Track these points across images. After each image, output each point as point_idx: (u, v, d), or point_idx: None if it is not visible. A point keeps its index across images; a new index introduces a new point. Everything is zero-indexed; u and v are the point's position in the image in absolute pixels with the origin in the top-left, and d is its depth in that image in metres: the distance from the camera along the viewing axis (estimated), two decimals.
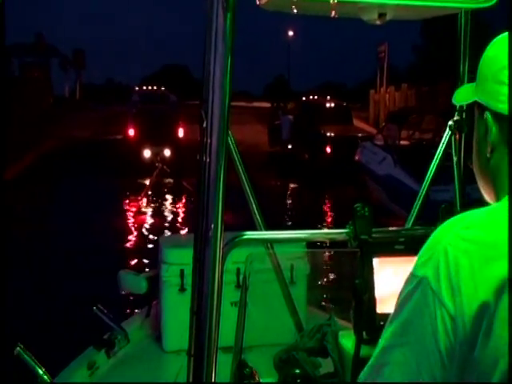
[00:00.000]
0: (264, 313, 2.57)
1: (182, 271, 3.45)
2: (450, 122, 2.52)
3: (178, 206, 15.55)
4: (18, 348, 2.38)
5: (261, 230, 2.58)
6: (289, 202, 16.86)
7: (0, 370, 5.23)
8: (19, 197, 14.93)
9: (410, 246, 2.04)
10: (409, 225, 2.58)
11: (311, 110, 23.25)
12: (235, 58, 1.67)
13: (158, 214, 14.53)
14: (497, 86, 1.31)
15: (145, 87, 26.27)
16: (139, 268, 9.08)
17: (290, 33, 66.45)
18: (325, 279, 5.18)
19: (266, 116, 28.29)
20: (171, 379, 3.03)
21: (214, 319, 1.66)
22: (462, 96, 1.49)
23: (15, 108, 23.00)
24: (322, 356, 2.18)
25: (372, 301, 2.03)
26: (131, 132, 20.63)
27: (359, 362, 1.96)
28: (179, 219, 14.24)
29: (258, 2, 1.89)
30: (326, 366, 2.17)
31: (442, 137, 2.58)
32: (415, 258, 1.26)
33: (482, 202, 1.35)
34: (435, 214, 2.26)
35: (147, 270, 3.83)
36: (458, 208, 2.49)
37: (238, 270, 3.28)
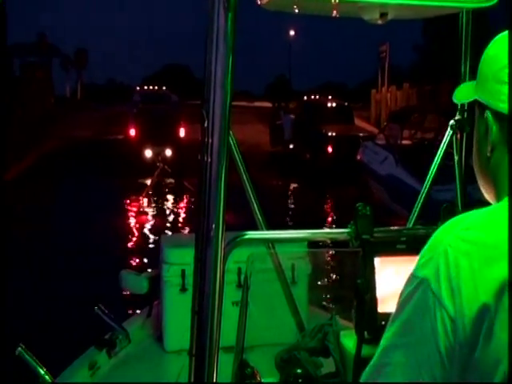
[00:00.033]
0: (265, 312, 2.56)
1: (183, 271, 3.45)
2: (452, 122, 2.52)
3: (179, 205, 15.54)
4: (20, 348, 2.38)
5: (262, 229, 2.58)
6: (290, 201, 16.84)
7: (0, 370, 5.25)
8: (20, 197, 14.94)
9: (411, 246, 2.04)
10: (410, 224, 2.58)
11: (313, 110, 23.23)
12: (236, 58, 1.67)
13: (159, 213, 14.53)
14: (497, 85, 1.30)
15: (146, 87, 26.28)
16: (140, 268, 9.09)
17: (291, 32, 66.45)
18: (326, 279, 5.18)
19: (268, 116, 28.27)
20: (172, 379, 3.03)
21: (216, 319, 1.66)
22: (463, 94, 1.49)
23: (17, 108, 23.03)
24: (324, 356, 2.18)
25: (373, 300, 2.03)
26: (132, 132, 20.64)
27: (361, 361, 1.96)
28: (180, 219, 14.24)
29: (259, 2, 1.89)
30: (328, 365, 2.17)
31: (443, 136, 2.58)
32: (417, 258, 1.26)
33: (483, 202, 1.35)
34: (437, 213, 2.26)
35: (149, 270, 3.82)
36: (460, 208, 2.49)
37: (240, 269, 3.28)
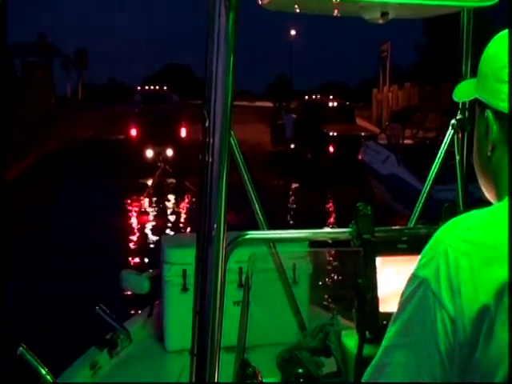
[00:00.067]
0: (266, 312, 2.56)
1: (184, 271, 3.45)
2: (453, 121, 2.51)
3: (180, 206, 15.54)
4: (21, 348, 2.38)
5: (263, 229, 2.58)
6: (291, 201, 16.84)
7: (1, 370, 5.25)
8: (21, 197, 14.94)
9: (412, 245, 2.04)
10: (411, 224, 2.58)
11: (314, 110, 23.22)
12: (237, 58, 1.67)
13: (160, 213, 14.53)
14: (498, 84, 1.30)
15: (147, 87, 26.28)
16: (141, 268, 9.09)
17: (292, 32, 66.44)
18: (327, 279, 5.18)
19: (269, 115, 28.26)
20: (174, 379, 3.03)
21: (217, 319, 1.66)
22: (463, 92, 1.48)
23: (17, 108, 23.03)
24: (325, 355, 2.18)
25: (375, 300, 2.03)
26: (133, 132, 20.63)
27: (362, 361, 1.96)
28: (181, 219, 14.24)
29: (260, 2, 1.89)
30: (329, 365, 2.17)
31: (445, 136, 2.58)
32: (418, 258, 1.26)
33: (484, 201, 1.34)
34: (438, 213, 2.26)
35: (150, 270, 3.82)
36: (461, 207, 2.49)
37: (241, 269, 3.28)
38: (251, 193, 2.57)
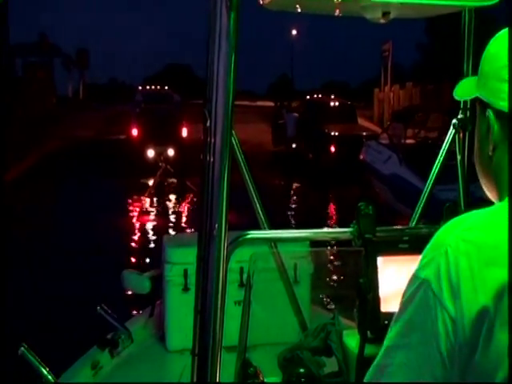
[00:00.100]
0: (268, 312, 2.56)
1: (185, 271, 3.45)
2: (454, 121, 2.51)
3: (181, 205, 15.54)
4: (22, 348, 2.38)
5: (264, 229, 2.58)
6: (292, 201, 16.84)
7: (1, 370, 5.25)
8: (22, 197, 14.94)
9: (414, 245, 2.04)
10: (413, 223, 2.58)
11: (315, 109, 23.19)
12: (238, 57, 1.67)
13: (161, 213, 14.53)
14: (499, 83, 1.29)
15: (148, 87, 26.28)
16: (143, 268, 9.09)
17: (294, 32, 66.41)
18: (329, 278, 5.18)
19: (270, 115, 28.25)
20: (175, 379, 3.03)
21: (219, 318, 1.66)
22: (464, 91, 1.47)
23: (18, 108, 23.04)
24: (327, 355, 2.18)
25: (376, 300, 2.03)
26: (135, 132, 20.63)
27: (363, 361, 1.96)
28: (183, 219, 14.24)
29: (261, 2, 1.89)
30: (331, 365, 2.17)
31: (446, 135, 2.58)
32: (419, 257, 1.26)
33: (485, 201, 1.34)
34: (440, 213, 2.26)
35: (152, 270, 3.82)
36: (462, 207, 2.49)
37: (242, 269, 3.28)
38: (252, 192, 2.57)
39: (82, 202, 14.81)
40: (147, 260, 10.19)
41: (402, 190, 12.24)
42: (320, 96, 27.15)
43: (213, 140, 1.67)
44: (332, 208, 15.95)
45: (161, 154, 18.56)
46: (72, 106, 38.41)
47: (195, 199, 15.04)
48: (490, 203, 1.32)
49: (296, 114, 24.27)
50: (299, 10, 1.98)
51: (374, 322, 2.00)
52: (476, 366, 1.15)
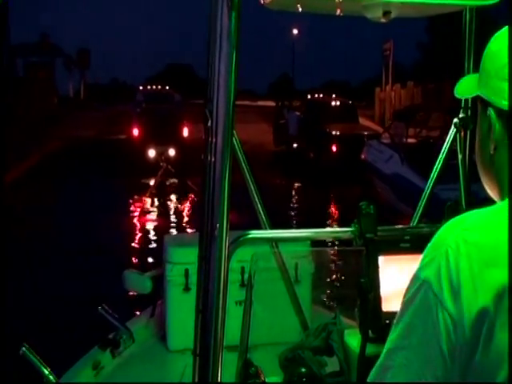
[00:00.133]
0: (269, 312, 2.56)
1: (186, 270, 3.45)
2: (456, 120, 2.51)
3: (182, 205, 15.54)
4: (24, 348, 2.38)
5: (265, 228, 2.58)
6: (294, 201, 16.83)
7: (1, 370, 5.25)
8: (23, 197, 14.94)
9: (415, 244, 2.04)
10: (414, 223, 2.58)
11: (316, 109, 23.17)
12: (239, 57, 1.67)
13: (162, 213, 14.52)
14: (500, 82, 1.28)
15: (149, 87, 26.28)
16: (144, 268, 9.09)
17: (295, 31, 66.39)
18: (330, 278, 5.18)
19: (271, 115, 28.22)
20: (176, 379, 3.03)
21: (220, 318, 1.66)
22: (465, 88, 1.46)
23: (20, 108, 23.06)
24: (328, 355, 2.18)
25: (377, 299, 2.03)
26: (136, 132, 20.62)
27: (365, 360, 1.96)
28: (184, 219, 14.24)
29: (262, 1, 1.89)
30: (332, 364, 2.17)
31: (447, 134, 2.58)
32: (420, 256, 1.26)
33: (488, 200, 1.34)
34: (442, 212, 2.26)
35: (153, 270, 3.82)
36: (464, 206, 2.49)
37: (243, 268, 3.28)
38: (253, 192, 2.57)
39: (83, 201, 14.80)
40: (148, 260, 10.19)
41: (403, 190, 12.22)
42: (321, 95, 27.13)
43: (214, 140, 1.66)
44: (333, 207, 15.94)
45: (162, 153, 18.54)
46: (73, 106, 38.44)
47: (196, 199, 15.03)
48: (491, 203, 1.32)
49: (298, 113, 24.24)
50: (300, 10, 1.98)
51: (375, 322, 2.00)
52: (476, 367, 1.15)
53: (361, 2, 1.82)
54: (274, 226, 2.58)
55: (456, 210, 2.22)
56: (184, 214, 14.77)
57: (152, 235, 12.42)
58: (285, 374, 2.13)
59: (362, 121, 24.68)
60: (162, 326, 3.66)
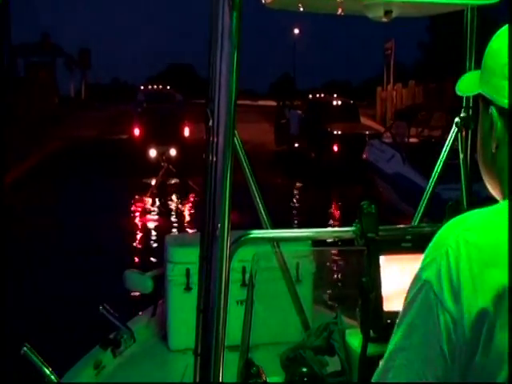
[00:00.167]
0: (270, 311, 2.56)
1: (187, 270, 3.45)
2: (457, 119, 2.51)
3: (183, 205, 15.53)
4: (25, 348, 2.38)
5: (267, 228, 2.58)
6: (295, 200, 16.83)
7: (2, 369, 5.26)
8: (24, 196, 14.96)
9: (416, 244, 2.03)
10: (415, 222, 2.57)
11: (318, 108, 23.15)
12: (240, 57, 1.67)
13: (163, 213, 14.52)
14: (502, 80, 1.27)
15: (150, 86, 26.29)
16: (145, 267, 9.08)
17: (296, 31, 66.42)
18: (331, 277, 5.17)
19: (272, 114, 28.22)
20: (177, 378, 3.03)
21: (221, 318, 1.66)
22: (466, 86, 1.45)
23: (21, 108, 23.07)
24: (329, 354, 2.18)
25: (379, 299, 2.02)
26: (137, 131, 20.62)
27: (366, 360, 1.96)
28: (185, 219, 14.24)
29: (263, 1, 1.89)
30: (333, 364, 2.17)
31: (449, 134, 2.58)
32: (422, 256, 1.25)
33: (491, 200, 1.33)
34: (444, 211, 2.26)
35: (154, 270, 3.82)
36: (465, 206, 2.49)
37: (244, 268, 3.28)
38: (255, 192, 2.57)
39: (84, 201, 14.80)
40: (150, 260, 10.19)
41: (405, 189, 12.21)
42: (322, 95, 27.12)
43: (215, 139, 1.66)
44: (334, 207, 15.93)
45: (163, 153, 18.53)
46: (74, 106, 38.45)
47: (197, 199, 15.03)
48: (493, 202, 1.32)
49: (300, 112, 24.23)
50: (301, 9, 1.98)
51: (376, 321, 1.99)
52: (477, 367, 1.15)
53: (362, 1, 1.82)
54: (275, 226, 2.58)
55: (457, 210, 2.22)
56: (185, 213, 14.76)
57: (153, 235, 12.43)
58: (286, 373, 2.13)
59: (364, 120, 24.67)
60: (163, 325, 3.66)
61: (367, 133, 19.75)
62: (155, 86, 25.75)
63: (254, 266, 2.25)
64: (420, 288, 1.21)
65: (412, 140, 15.03)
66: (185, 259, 3.44)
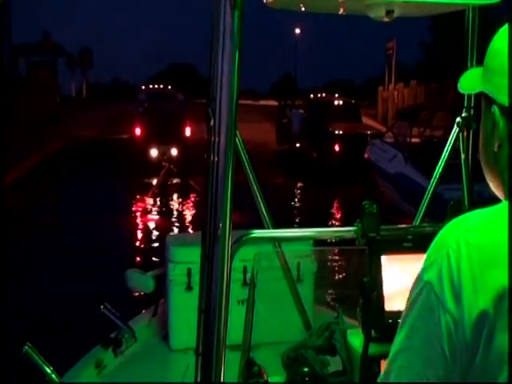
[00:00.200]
0: (271, 311, 2.56)
1: (188, 270, 3.44)
2: (458, 119, 2.51)
3: (185, 205, 15.54)
4: (26, 347, 2.38)
5: (268, 228, 2.58)
6: (296, 200, 16.82)
7: (1, 369, 5.26)
8: (25, 196, 14.96)
9: (418, 244, 2.04)
10: (417, 222, 2.57)
11: (319, 108, 23.14)
12: (242, 56, 1.67)
13: (164, 213, 14.52)
14: (504, 79, 1.26)
15: (151, 86, 26.28)
16: (146, 267, 9.07)
17: (297, 30, 66.41)
18: (332, 277, 5.17)
19: (273, 114, 28.21)
20: (178, 378, 3.03)
21: (223, 317, 1.66)
22: (469, 84, 1.44)
23: (22, 107, 23.07)
24: (331, 354, 2.18)
25: (380, 298, 2.03)
26: (138, 131, 20.61)
27: (368, 360, 1.96)
28: (186, 219, 14.24)
29: (265, 1, 1.89)
30: (335, 364, 2.17)
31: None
32: (423, 256, 1.26)
33: (491, 200, 1.33)
34: (445, 211, 2.26)
35: (155, 269, 3.82)
36: (466, 205, 2.48)
37: (245, 268, 3.28)
38: (256, 192, 2.57)
39: (85, 201, 14.80)
40: (151, 259, 10.19)
41: (407, 189, 12.19)
42: (324, 95, 27.12)
43: (217, 139, 1.66)
44: (336, 207, 15.92)
45: (164, 153, 18.54)
46: (75, 106, 38.47)
47: (198, 199, 15.03)
48: (495, 202, 1.31)
49: (301, 111, 24.23)
50: (303, 9, 1.98)
51: (378, 321, 1.99)
52: (477, 369, 1.15)
53: (364, 1, 1.82)
54: (276, 226, 2.58)
55: (459, 210, 2.22)
56: (186, 213, 14.76)
57: (154, 235, 12.43)
58: (287, 373, 2.13)
59: (365, 120, 24.67)
60: (164, 325, 3.66)
61: (369, 132, 19.73)
62: (156, 86, 25.75)
63: (255, 266, 2.25)
64: (421, 289, 1.21)
65: (414, 140, 15.02)
66: (186, 259, 3.44)
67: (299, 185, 18.53)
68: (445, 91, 24.60)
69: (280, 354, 2.17)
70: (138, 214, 14.47)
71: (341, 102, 24.03)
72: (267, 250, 2.60)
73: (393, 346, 1.25)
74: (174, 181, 17.56)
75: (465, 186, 2.54)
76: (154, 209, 14.98)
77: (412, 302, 1.23)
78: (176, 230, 12.78)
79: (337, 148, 19.92)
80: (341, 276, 4.94)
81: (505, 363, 1.13)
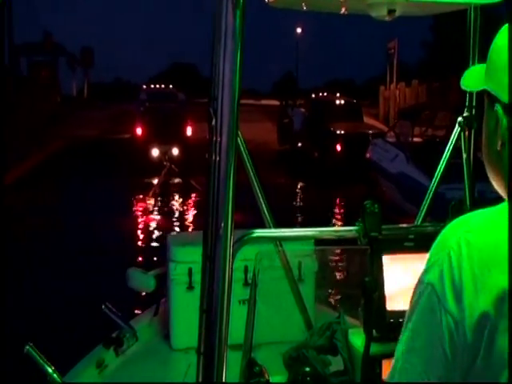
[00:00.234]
0: (273, 310, 2.56)
1: (190, 269, 3.44)
2: (460, 119, 2.51)
3: (186, 205, 15.54)
4: (28, 347, 2.38)
5: (270, 227, 2.58)
6: (298, 200, 16.81)
7: (2, 369, 5.26)
8: (26, 196, 14.97)
9: (419, 243, 2.03)
10: (418, 222, 2.57)
11: (321, 108, 23.12)
12: (244, 56, 1.67)
13: (166, 213, 14.52)
14: (506, 77, 1.25)
15: (153, 85, 26.28)
16: (148, 267, 9.07)
17: (299, 30, 66.38)
18: (334, 277, 5.17)
19: (275, 114, 28.21)
20: (180, 377, 3.03)
21: (224, 317, 1.66)
22: (472, 81, 1.42)
23: (23, 107, 23.07)
24: (332, 354, 2.18)
25: (382, 298, 2.02)
26: (139, 131, 20.60)
27: (369, 359, 1.96)
28: (187, 218, 14.24)
29: (266, 0, 1.89)
30: (336, 363, 2.17)
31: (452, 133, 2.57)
32: (425, 255, 1.26)
33: (493, 200, 1.33)
34: (447, 211, 2.25)
35: (157, 269, 3.82)
36: (468, 205, 2.48)
37: (246, 267, 3.27)
38: (258, 191, 2.56)
39: (86, 201, 14.80)
40: (152, 259, 10.19)
41: (409, 189, 12.18)
42: (325, 94, 27.10)
43: (218, 139, 1.66)
44: (338, 207, 15.92)
45: (165, 153, 18.54)
46: (76, 105, 38.47)
47: (200, 199, 15.03)
48: (497, 202, 1.31)
49: (303, 111, 24.21)
50: (305, 8, 1.98)
51: (379, 321, 1.99)
52: (478, 371, 1.15)
53: (365, 0, 1.82)
54: (278, 225, 2.58)
55: (460, 210, 2.22)
56: (187, 213, 14.76)
57: (155, 234, 12.43)
58: (289, 373, 2.13)
59: (367, 119, 24.63)
60: (166, 324, 3.66)
61: (370, 132, 19.69)
62: (158, 86, 25.74)
63: (256, 265, 2.25)
64: (423, 290, 1.21)
65: (416, 139, 14.99)
66: (187, 258, 3.44)
67: (301, 184, 18.52)
68: (447, 91, 24.57)
69: (281, 354, 2.17)
70: (139, 213, 14.46)
71: (342, 102, 24.02)
72: (268, 249, 2.60)
73: (396, 349, 1.25)
74: (175, 180, 17.56)
75: (466, 186, 2.54)
76: (155, 208, 14.98)
77: (414, 303, 1.23)
78: (177, 230, 12.78)
79: (338, 148, 19.89)
80: (342, 276, 4.94)
81: (505, 366, 1.13)
